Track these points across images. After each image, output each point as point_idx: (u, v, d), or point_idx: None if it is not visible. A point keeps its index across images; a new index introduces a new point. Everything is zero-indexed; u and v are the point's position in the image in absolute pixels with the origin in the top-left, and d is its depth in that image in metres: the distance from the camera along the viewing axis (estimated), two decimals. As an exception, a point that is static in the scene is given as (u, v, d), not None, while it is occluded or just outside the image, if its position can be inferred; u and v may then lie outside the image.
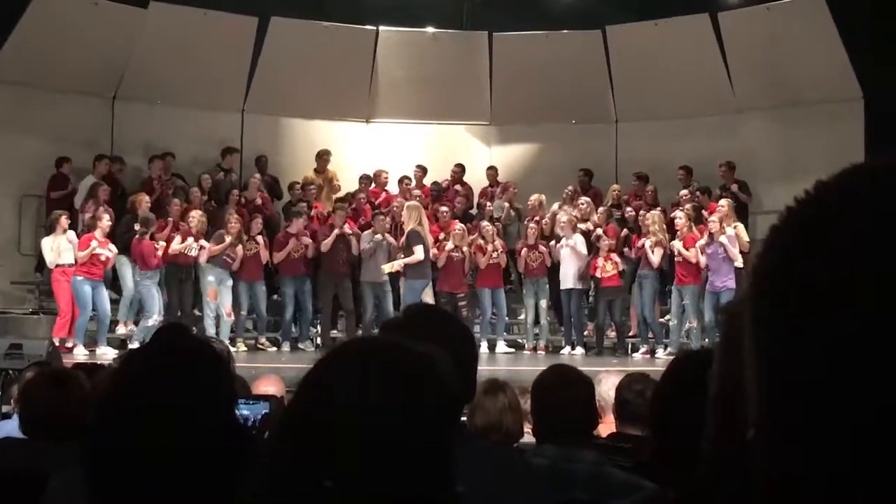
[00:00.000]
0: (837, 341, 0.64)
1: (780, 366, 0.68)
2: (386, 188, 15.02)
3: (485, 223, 13.60)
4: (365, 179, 14.96)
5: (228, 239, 12.68)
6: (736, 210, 12.94)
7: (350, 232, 13.28)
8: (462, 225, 13.69)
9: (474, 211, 15.09)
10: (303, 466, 1.18)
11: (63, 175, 13.74)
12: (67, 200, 13.48)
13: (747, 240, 12.46)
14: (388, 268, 12.97)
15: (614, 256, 13.03)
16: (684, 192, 13.69)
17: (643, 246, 12.75)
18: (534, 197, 14.23)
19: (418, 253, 12.73)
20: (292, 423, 1.23)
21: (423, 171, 15.20)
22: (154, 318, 12.09)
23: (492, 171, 15.47)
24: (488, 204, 14.68)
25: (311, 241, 13.20)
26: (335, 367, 1.23)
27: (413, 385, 1.19)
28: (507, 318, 13.88)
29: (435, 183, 15.16)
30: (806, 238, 0.68)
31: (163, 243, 12.37)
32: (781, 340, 0.68)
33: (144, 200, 12.98)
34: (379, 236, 13.07)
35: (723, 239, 12.18)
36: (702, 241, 12.39)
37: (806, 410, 0.66)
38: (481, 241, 13.34)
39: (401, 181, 14.78)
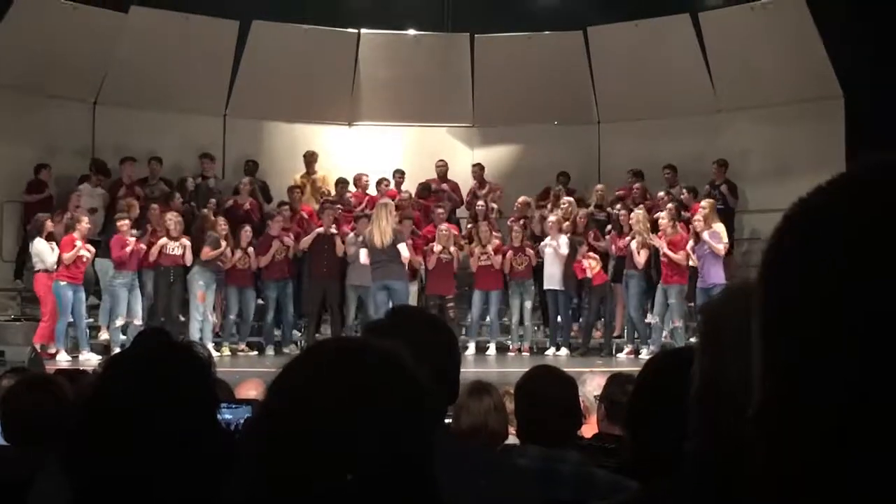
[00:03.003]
0: (851, 321, 0.65)
1: (789, 345, 0.69)
2: (367, 191, 14.87)
3: (483, 225, 13.56)
4: (342, 182, 14.80)
5: (224, 244, 12.64)
6: (720, 211, 12.95)
7: (334, 232, 13.20)
8: (447, 226, 13.61)
9: (463, 209, 14.98)
10: (280, 472, 1.16)
11: (40, 181, 13.66)
12: (44, 205, 13.35)
13: (726, 241, 12.43)
14: None
15: (593, 254, 13.06)
16: (661, 193, 13.67)
17: (628, 245, 12.73)
18: (521, 199, 14.24)
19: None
20: (261, 431, 1.21)
21: (401, 175, 15.07)
22: (120, 320, 12.13)
23: (477, 168, 15.34)
24: (479, 203, 14.53)
25: (292, 241, 13.15)
26: (299, 371, 1.22)
27: (377, 384, 1.18)
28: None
29: (422, 184, 15.04)
30: (822, 226, 0.69)
31: (132, 239, 12.27)
32: (791, 322, 0.69)
33: (135, 205, 12.99)
34: (360, 238, 12.96)
35: (705, 235, 12.19)
36: (691, 243, 12.38)
37: (813, 389, 0.67)
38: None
39: (379, 183, 14.67)
